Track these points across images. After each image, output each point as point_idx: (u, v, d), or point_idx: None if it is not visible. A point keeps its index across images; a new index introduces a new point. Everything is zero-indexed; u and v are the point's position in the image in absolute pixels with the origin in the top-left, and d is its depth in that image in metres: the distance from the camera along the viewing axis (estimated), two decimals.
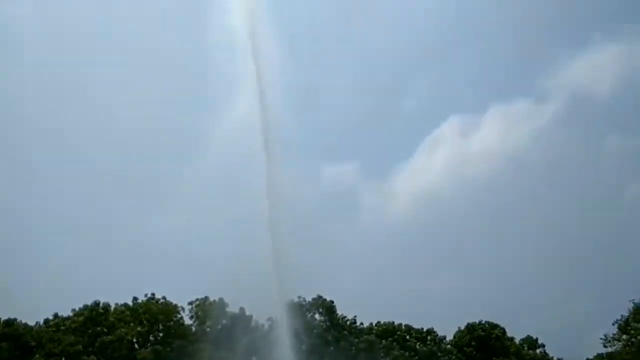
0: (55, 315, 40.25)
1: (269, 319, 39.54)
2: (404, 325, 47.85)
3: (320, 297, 44.59)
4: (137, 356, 38.63)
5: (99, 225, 58.47)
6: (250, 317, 39.86)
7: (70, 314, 40.58)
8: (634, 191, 75.56)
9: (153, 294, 42.21)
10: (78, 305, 40.50)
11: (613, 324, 43.29)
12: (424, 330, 47.84)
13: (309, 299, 44.71)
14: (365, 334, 45.67)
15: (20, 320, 39.07)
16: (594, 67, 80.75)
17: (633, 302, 42.54)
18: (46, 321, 40.02)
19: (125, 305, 41.81)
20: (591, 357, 49.65)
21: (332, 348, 42.56)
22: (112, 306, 41.29)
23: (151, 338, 40.51)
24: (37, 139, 64.08)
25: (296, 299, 41.48)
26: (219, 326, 41.79)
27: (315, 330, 43.41)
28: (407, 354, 44.60)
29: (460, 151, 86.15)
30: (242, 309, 40.54)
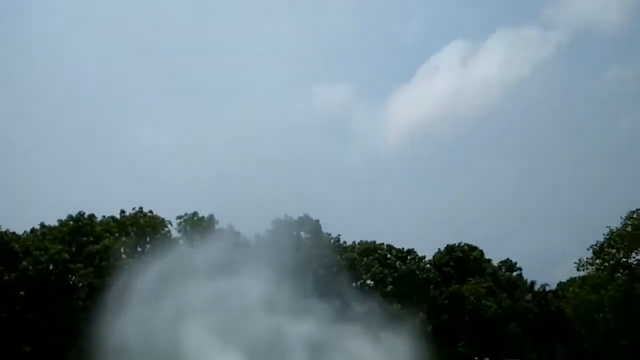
0: (42, 225, 39.80)
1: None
2: (386, 245, 49.09)
3: (306, 215, 45.08)
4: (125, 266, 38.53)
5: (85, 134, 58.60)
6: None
7: (57, 224, 40.09)
8: (626, 123, 75.89)
9: (141, 208, 41.78)
10: (64, 216, 40.01)
11: (588, 249, 44.18)
12: (405, 250, 49.01)
13: (295, 217, 45.22)
14: (348, 252, 47.05)
15: (8, 229, 38.60)
16: None
17: (609, 228, 43.15)
18: (33, 230, 39.73)
19: (112, 217, 41.36)
20: (564, 280, 51.92)
21: (315, 264, 43.28)
22: (99, 218, 40.64)
23: (138, 249, 40.41)
24: None
25: (282, 217, 42.55)
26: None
27: (300, 248, 44.02)
28: (386, 271, 46.06)
29: (459, 80, 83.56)
30: (230, 225, 40.98)
